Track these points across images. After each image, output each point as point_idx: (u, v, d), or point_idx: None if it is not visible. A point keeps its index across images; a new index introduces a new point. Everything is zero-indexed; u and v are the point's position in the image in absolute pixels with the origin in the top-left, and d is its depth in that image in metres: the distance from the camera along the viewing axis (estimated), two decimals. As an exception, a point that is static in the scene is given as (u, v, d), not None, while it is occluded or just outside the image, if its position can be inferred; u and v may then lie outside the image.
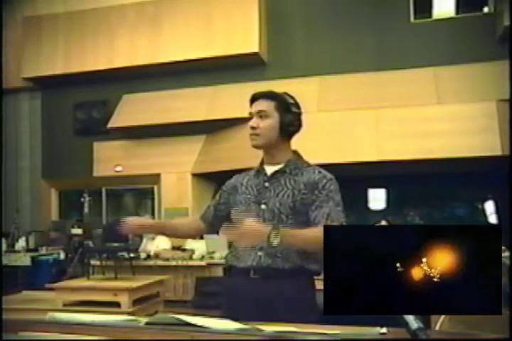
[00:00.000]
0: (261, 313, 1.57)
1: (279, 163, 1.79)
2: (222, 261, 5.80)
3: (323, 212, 1.70)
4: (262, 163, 1.84)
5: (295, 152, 1.85)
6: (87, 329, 1.08)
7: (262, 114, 1.74)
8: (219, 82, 7.53)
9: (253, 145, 1.78)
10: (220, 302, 1.83)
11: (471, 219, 7.17)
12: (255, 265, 1.70)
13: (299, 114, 1.80)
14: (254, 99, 1.79)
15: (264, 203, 1.74)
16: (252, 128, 1.75)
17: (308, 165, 1.83)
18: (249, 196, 1.78)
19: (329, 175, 1.79)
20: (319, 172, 1.79)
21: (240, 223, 1.73)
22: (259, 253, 1.71)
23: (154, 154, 7.85)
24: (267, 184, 1.77)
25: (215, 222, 1.92)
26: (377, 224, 5.95)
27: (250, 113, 1.78)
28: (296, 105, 1.81)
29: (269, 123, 1.74)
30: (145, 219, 1.85)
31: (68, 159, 8.48)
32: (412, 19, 7.21)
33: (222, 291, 1.85)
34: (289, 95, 1.84)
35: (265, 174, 1.80)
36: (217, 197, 1.93)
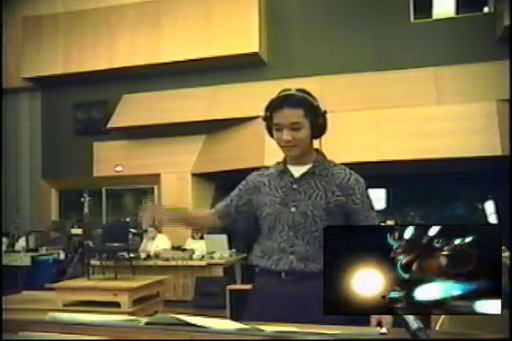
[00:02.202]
0: (295, 313, 1.55)
1: (305, 164, 1.74)
2: (222, 261, 5.82)
3: (368, 224, 1.71)
4: (284, 163, 1.77)
5: (318, 151, 1.80)
6: (87, 329, 1.07)
7: (294, 127, 1.65)
8: (219, 82, 7.53)
9: (290, 156, 1.72)
10: (251, 304, 1.77)
11: (471, 219, 7.17)
12: (287, 269, 1.68)
13: (326, 115, 1.73)
14: (278, 106, 1.66)
15: (294, 206, 1.69)
16: (288, 141, 1.66)
17: (335, 164, 1.78)
18: (274, 198, 1.72)
19: (360, 178, 1.77)
20: (350, 173, 1.76)
21: (268, 226, 1.71)
22: (291, 257, 1.68)
23: (154, 154, 7.85)
24: (295, 186, 1.71)
25: (234, 221, 1.86)
26: (382, 224, 5.95)
27: (277, 124, 1.65)
28: (318, 104, 1.73)
29: (304, 134, 1.67)
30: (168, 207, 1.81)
31: (68, 159, 8.48)
32: (412, 19, 7.21)
33: (252, 292, 1.79)
34: (308, 93, 1.75)
35: (291, 175, 1.73)
36: (235, 196, 1.84)
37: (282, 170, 1.75)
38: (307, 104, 1.67)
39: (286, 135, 1.64)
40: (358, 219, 1.71)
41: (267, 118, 1.71)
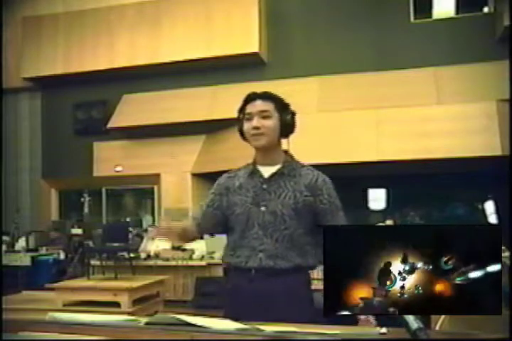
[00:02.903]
0: (265, 310, 1.63)
1: (274, 164, 1.79)
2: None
3: (337, 221, 1.77)
4: (254, 164, 1.83)
5: (286, 152, 1.86)
6: (87, 329, 1.08)
7: (264, 115, 1.74)
8: (219, 82, 7.53)
9: (256, 146, 1.77)
10: (221, 302, 1.83)
11: (471, 219, 7.17)
12: (256, 266, 1.72)
13: (295, 115, 1.83)
14: (251, 99, 1.77)
15: (264, 205, 1.74)
16: (256, 128, 1.73)
17: (302, 165, 1.85)
18: (245, 198, 1.77)
19: (327, 178, 1.82)
20: (318, 174, 1.81)
21: (239, 225, 1.76)
22: (260, 255, 1.72)
23: (154, 154, 7.85)
24: (265, 186, 1.77)
25: (213, 227, 1.89)
26: (382, 224, 5.96)
27: (248, 113, 1.75)
28: (291, 107, 1.83)
29: (273, 123, 1.75)
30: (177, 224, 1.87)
31: (68, 159, 8.48)
32: (412, 19, 7.21)
33: (223, 291, 1.85)
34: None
35: (261, 176, 1.79)
36: (209, 202, 1.89)
37: (252, 171, 1.81)
38: (278, 100, 1.79)
39: (256, 122, 1.73)
40: (325, 218, 1.76)
41: (241, 115, 1.80)
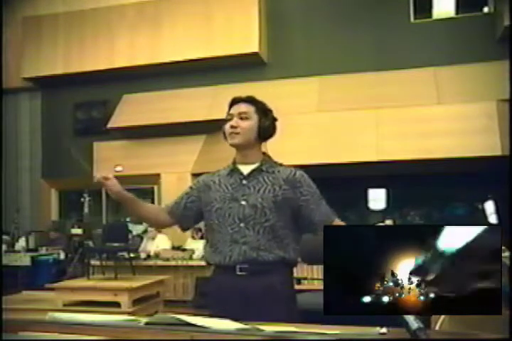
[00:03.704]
0: (252, 307, 1.67)
1: (253, 163, 1.88)
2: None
3: (320, 211, 1.83)
4: (234, 163, 1.92)
5: (265, 154, 1.95)
6: (87, 329, 1.08)
7: (242, 116, 1.86)
8: (219, 82, 7.52)
9: (231, 144, 1.89)
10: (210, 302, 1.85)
11: (471, 219, 7.17)
12: (241, 259, 1.75)
13: (275, 121, 1.94)
14: (234, 102, 1.92)
15: (244, 199, 1.80)
16: (233, 127, 1.85)
17: (280, 164, 1.94)
18: (224, 193, 1.84)
19: (305, 174, 1.90)
20: (295, 169, 1.90)
21: (218, 220, 1.80)
22: (244, 248, 1.76)
23: (154, 154, 7.85)
24: (244, 181, 1.84)
25: (183, 218, 1.95)
26: (381, 224, 5.95)
27: (230, 114, 1.90)
28: (272, 113, 1.94)
29: (249, 124, 1.86)
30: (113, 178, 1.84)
31: (68, 159, 8.47)
32: (412, 19, 7.21)
33: (209, 291, 1.86)
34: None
35: (241, 173, 1.87)
36: (184, 195, 1.96)
37: (232, 169, 1.91)
38: (260, 104, 1.91)
39: (234, 122, 1.86)
40: (309, 208, 1.83)
41: (227, 117, 1.92)
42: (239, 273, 1.75)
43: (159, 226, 1.75)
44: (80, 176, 8.30)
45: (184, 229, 2.00)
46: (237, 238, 1.77)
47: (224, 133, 1.92)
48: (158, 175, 7.93)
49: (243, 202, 1.79)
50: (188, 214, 1.93)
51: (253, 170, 1.86)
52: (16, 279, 6.63)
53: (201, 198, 1.90)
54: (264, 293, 1.73)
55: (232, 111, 1.90)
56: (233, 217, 1.79)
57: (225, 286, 1.78)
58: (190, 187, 1.97)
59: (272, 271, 1.76)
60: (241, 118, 1.86)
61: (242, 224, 1.77)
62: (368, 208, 7.51)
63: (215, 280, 1.85)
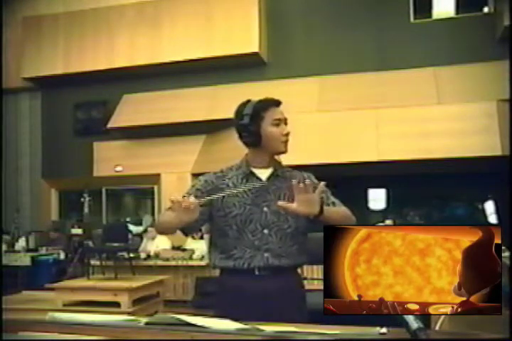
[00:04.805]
0: (268, 309, 1.65)
1: (267, 167, 1.83)
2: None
3: (339, 204, 1.82)
4: (248, 166, 1.83)
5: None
6: (87, 329, 1.08)
7: (286, 122, 1.81)
8: (219, 82, 7.53)
9: (284, 152, 1.81)
10: (220, 302, 1.81)
11: (471, 219, 7.17)
12: (262, 265, 1.72)
13: None
14: (272, 104, 1.79)
15: (266, 206, 1.76)
16: (288, 134, 1.78)
17: (287, 167, 1.92)
18: (244, 199, 1.77)
19: (311, 174, 1.89)
20: (302, 172, 1.88)
21: (237, 226, 1.74)
22: (266, 255, 1.72)
23: (154, 154, 7.85)
24: (264, 187, 1.79)
25: (192, 223, 1.72)
26: (381, 224, 5.95)
27: (278, 119, 1.77)
28: None
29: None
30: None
31: (68, 159, 8.48)
32: (412, 19, 7.21)
33: (222, 292, 1.81)
34: None
35: (257, 178, 1.81)
36: (195, 198, 1.77)
37: (247, 173, 1.82)
38: None
39: (286, 128, 1.78)
40: (329, 202, 1.80)
41: (254, 120, 1.75)
42: (258, 274, 1.73)
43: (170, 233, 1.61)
44: (79, 176, 8.32)
45: (188, 235, 1.91)
46: (260, 245, 1.73)
47: (252, 134, 1.75)
48: (158, 175, 7.93)
49: (265, 209, 1.76)
50: (199, 219, 1.74)
51: (270, 175, 1.82)
52: (16, 279, 6.63)
53: (213, 202, 1.77)
54: (282, 293, 1.72)
55: (279, 116, 1.78)
56: (255, 224, 1.74)
57: (239, 288, 1.74)
58: (198, 190, 1.82)
59: (288, 273, 1.77)
60: (285, 124, 1.80)
61: (265, 231, 1.73)
62: (368, 208, 7.51)
63: (225, 283, 1.80)
